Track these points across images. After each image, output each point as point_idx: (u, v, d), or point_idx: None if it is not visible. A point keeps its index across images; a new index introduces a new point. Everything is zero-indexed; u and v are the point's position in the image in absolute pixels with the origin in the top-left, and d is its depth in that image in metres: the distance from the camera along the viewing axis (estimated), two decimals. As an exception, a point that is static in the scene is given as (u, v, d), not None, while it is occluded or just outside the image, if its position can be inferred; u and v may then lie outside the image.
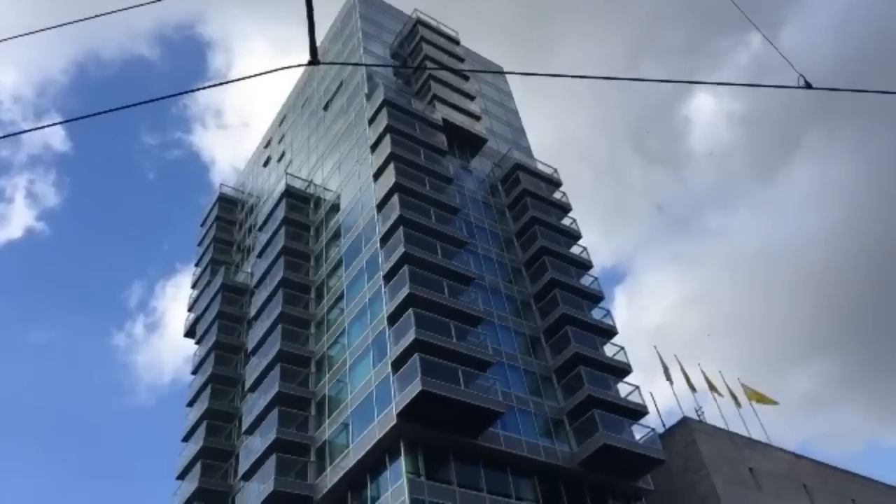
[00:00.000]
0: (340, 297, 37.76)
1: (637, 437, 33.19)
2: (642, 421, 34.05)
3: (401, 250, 33.12)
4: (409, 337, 29.57)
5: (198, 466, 40.28)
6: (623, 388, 35.13)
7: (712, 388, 39.60)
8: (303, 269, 42.42)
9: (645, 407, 34.13)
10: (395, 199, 35.58)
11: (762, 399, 40.12)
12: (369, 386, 31.21)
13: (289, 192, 45.88)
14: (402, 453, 27.63)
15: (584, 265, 41.13)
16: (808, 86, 10.53)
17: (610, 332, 37.69)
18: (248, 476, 34.09)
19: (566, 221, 43.66)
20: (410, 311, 30.46)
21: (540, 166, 47.22)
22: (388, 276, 33.30)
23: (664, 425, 36.33)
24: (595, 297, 39.37)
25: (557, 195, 45.33)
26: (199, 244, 59.35)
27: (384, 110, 40.62)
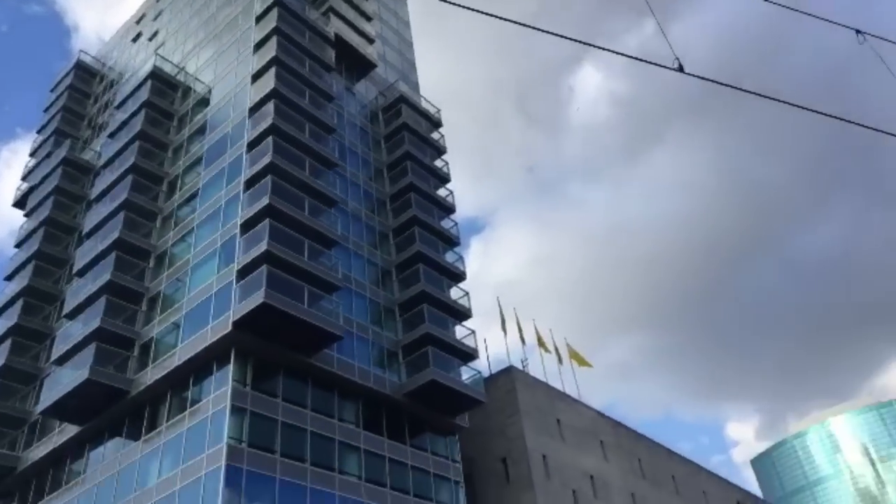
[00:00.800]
0: (194, 196, 36.20)
1: (464, 377, 35.01)
2: (472, 364, 35.94)
3: (267, 159, 32.16)
4: (261, 248, 29.08)
5: (8, 343, 37.79)
6: (460, 331, 36.74)
7: (541, 343, 42.32)
8: (158, 158, 40.07)
9: (476, 351, 35.95)
10: (271, 105, 34.31)
11: (580, 361, 43.53)
12: (209, 290, 30.49)
13: (155, 75, 42.79)
14: (232, 361, 27.46)
15: (448, 209, 41.98)
16: (681, 69, 11.26)
17: (459, 277, 39.00)
18: (61, 361, 32.45)
19: (438, 163, 44.13)
20: (267, 222, 29.88)
21: (424, 104, 47.11)
22: (250, 183, 32.33)
23: (490, 370, 38.56)
24: (451, 241, 40.44)
25: (435, 136, 45.58)
26: (46, 111, 54.41)
27: (274, 10, 38.66)
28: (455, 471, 33.52)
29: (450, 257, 39.78)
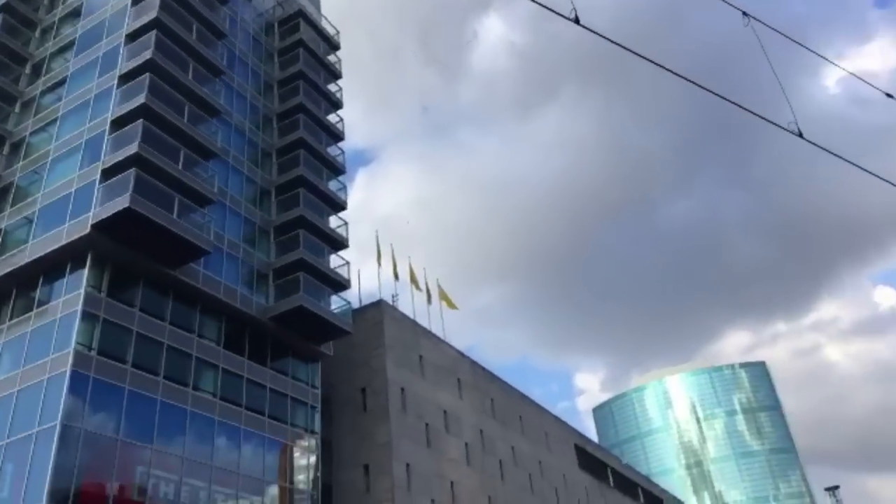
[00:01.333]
0: (62, 83, 33.35)
1: (333, 307, 35.17)
2: (342, 294, 36.13)
3: (147, 55, 30.06)
4: (131, 149, 27.44)
5: None
6: (335, 261, 36.68)
7: (413, 281, 43.06)
8: (23, 37, 36.38)
9: (349, 282, 36.11)
10: (157, -3, 31.86)
11: (449, 302, 44.81)
12: (69, 187, 28.51)
13: (27, -59, 38.37)
14: (88, 265, 26.05)
15: (336, 135, 41.18)
16: (577, 20, 11.51)
17: (339, 206, 38.67)
18: None
19: (332, 88, 42.96)
20: (140, 122, 28.14)
21: (324, 23, 45.38)
22: (125, 78, 30.18)
23: (361, 302, 38.90)
24: (336, 169, 39.86)
25: (332, 59, 44.19)
26: None
27: None
28: (313, 396, 33.94)
29: (333, 185, 39.27)
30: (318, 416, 33.76)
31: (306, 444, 32.75)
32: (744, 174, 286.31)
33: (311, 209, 36.04)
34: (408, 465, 34.54)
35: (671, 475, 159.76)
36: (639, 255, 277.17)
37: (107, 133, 28.83)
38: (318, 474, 32.54)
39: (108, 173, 27.40)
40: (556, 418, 56.35)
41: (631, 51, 12.06)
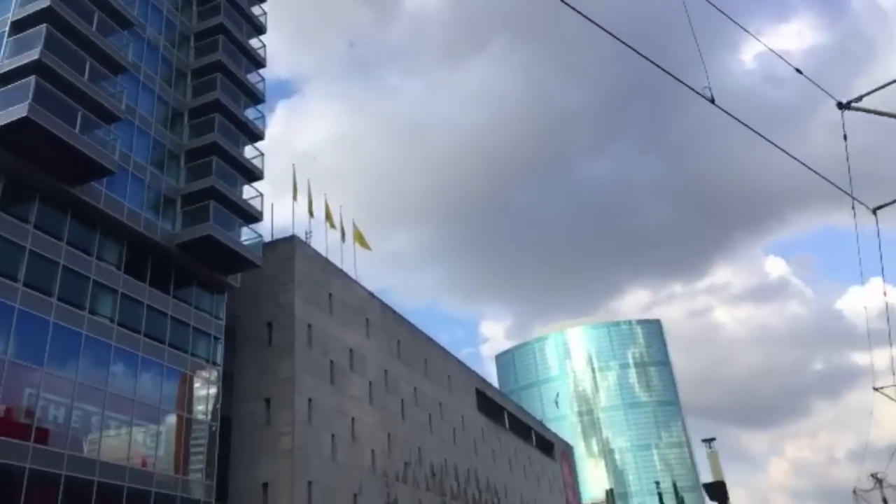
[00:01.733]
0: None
1: (244, 239, 34.46)
2: (254, 226, 35.40)
3: (53, -47, 27.70)
4: (32, 55, 25.53)
5: None
6: (248, 191, 35.82)
7: (329, 219, 42.63)
8: None
9: (261, 214, 35.40)
10: None
11: (362, 242, 44.72)
12: (-40, 89, 26.32)
13: None
14: (-21, 175, 24.37)
15: (258, 62, 39.63)
16: None
17: (256, 136, 37.53)
18: None
19: (256, 10, 41.11)
20: (44, 27, 26.13)
21: (252, -60, 42.95)
22: (27, -24, 27.79)
23: (273, 237, 38.27)
24: (255, 97, 38.49)
25: (258, -21, 42.09)
26: None
27: None
28: (217, 328, 33.47)
29: (251, 114, 37.99)
30: (220, 348, 33.39)
31: (207, 374, 32.43)
32: (659, 139, 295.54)
33: (226, 136, 34.83)
34: (310, 400, 34.86)
35: (564, 421, 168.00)
36: (552, 210, 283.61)
37: (6, 35, 26.66)
38: (218, 406, 32.40)
39: (5, 79, 25.44)
40: (460, 362, 57.95)
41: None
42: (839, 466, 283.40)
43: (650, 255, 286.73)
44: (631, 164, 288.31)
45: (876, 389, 29.85)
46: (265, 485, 32.18)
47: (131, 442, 27.84)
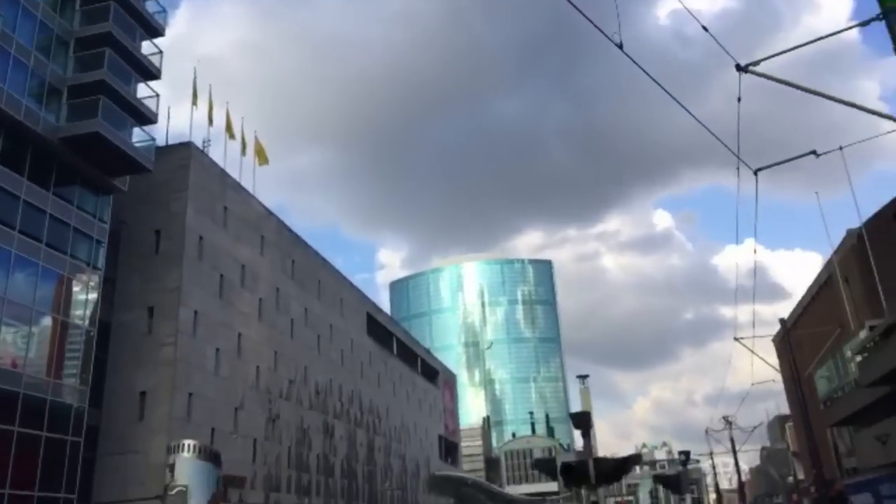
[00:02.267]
0: None
1: (135, 140, 32.62)
2: (148, 128, 33.54)
3: None
4: None
5: None
6: (143, 90, 33.75)
7: (229, 129, 40.90)
8: None
9: (156, 116, 33.57)
10: None
11: (262, 156, 43.35)
12: None
13: None
14: None
15: (161, -50, 36.69)
16: None
17: (155, 31, 35.12)
18: None
19: None
20: None
21: None
22: None
23: (168, 142, 36.44)
24: (157, -10, 35.81)
25: None
26: None
27: None
28: (100, 230, 31.89)
29: (150, 6, 35.39)
30: (102, 252, 31.95)
31: (87, 278, 31.04)
32: (569, 84, 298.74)
33: (122, 27, 32.40)
34: (196, 312, 34.21)
35: (450, 351, 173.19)
36: (460, 146, 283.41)
37: None
38: (97, 311, 31.22)
39: None
40: (353, 286, 58.27)
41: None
42: (696, 408, 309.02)
43: (550, 197, 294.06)
44: (541, 109, 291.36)
45: (736, 339, 32.54)
46: (143, 393, 31.67)
47: (0, 341, 26.52)
